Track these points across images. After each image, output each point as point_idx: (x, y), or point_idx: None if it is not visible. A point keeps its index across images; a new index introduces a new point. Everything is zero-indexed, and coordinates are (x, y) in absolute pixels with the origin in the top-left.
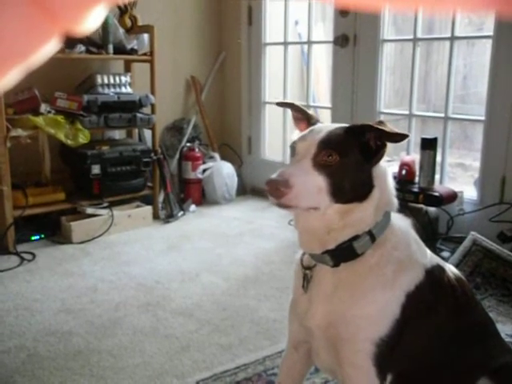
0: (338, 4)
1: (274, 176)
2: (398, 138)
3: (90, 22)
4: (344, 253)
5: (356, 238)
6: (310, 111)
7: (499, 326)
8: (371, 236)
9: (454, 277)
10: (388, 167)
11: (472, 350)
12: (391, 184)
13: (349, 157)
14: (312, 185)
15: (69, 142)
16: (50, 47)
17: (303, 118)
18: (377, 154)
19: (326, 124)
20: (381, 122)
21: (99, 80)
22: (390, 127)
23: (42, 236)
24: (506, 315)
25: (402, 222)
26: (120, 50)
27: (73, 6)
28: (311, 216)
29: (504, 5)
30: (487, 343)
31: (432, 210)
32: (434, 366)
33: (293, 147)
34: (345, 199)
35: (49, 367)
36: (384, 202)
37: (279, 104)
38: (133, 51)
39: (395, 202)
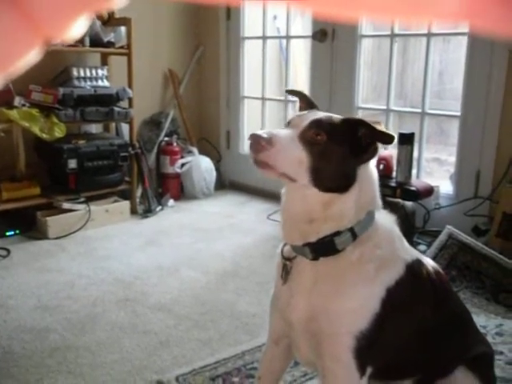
0: (316, 14)
1: (259, 131)
2: (386, 138)
3: (74, 30)
4: (324, 247)
5: (337, 233)
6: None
7: (473, 318)
8: (352, 233)
9: (433, 270)
10: (374, 169)
11: (450, 341)
12: (375, 184)
13: (336, 143)
14: (293, 154)
15: (44, 135)
16: (32, 55)
17: (309, 108)
18: (366, 151)
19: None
20: (376, 122)
21: (75, 73)
22: (383, 128)
23: (17, 231)
24: (480, 307)
25: (386, 220)
26: (96, 42)
27: (56, 13)
28: (295, 198)
29: (477, 17)
30: (464, 334)
31: (409, 204)
32: (414, 357)
33: (288, 122)
34: (323, 184)
35: (25, 365)
36: (366, 200)
37: (288, 91)
38: (109, 44)
39: (379, 202)
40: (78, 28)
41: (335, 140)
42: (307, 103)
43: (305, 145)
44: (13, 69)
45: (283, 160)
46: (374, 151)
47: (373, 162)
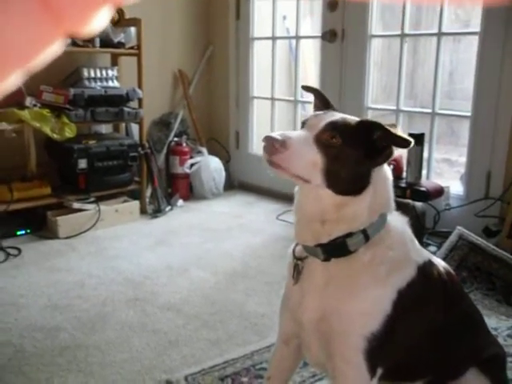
0: None
1: (273, 133)
2: (401, 141)
3: (95, 24)
4: (336, 248)
5: (350, 235)
6: (331, 103)
7: (485, 320)
8: (365, 235)
9: (444, 271)
10: (389, 170)
11: (461, 342)
12: (390, 187)
13: (351, 146)
14: (307, 157)
15: (55, 136)
16: (54, 49)
17: (323, 106)
18: (381, 154)
19: (343, 114)
20: (393, 125)
21: (86, 73)
22: (399, 131)
23: (28, 231)
24: (491, 308)
25: (398, 222)
26: (107, 43)
27: (79, 7)
28: (308, 197)
29: None
30: (476, 335)
31: (419, 205)
32: (425, 358)
33: (304, 123)
34: (337, 186)
35: (36, 363)
36: (380, 203)
37: (304, 87)
38: (120, 44)
39: (392, 204)
40: (99, 21)
41: (350, 143)
42: (322, 101)
43: (319, 147)
44: (35, 62)
45: (297, 163)
46: (390, 154)
47: (387, 164)
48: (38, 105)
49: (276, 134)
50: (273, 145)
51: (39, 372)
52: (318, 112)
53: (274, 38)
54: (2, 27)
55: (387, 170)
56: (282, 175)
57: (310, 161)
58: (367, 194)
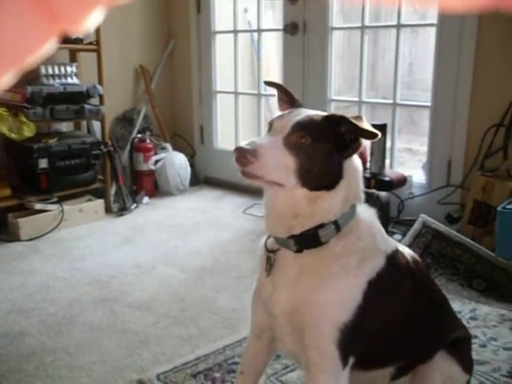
0: None
1: (243, 144)
2: (368, 134)
3: (89, 22)
4: (308, 239)
5: (321, 226)
6: (296, 96)
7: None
8: (336, 226)
9: (411, 259)
10: (359, 161)
11: (430, 327)
12: (360, 179)
13: (321, 143)
14: (279, 161)
15: (13, 135)
16: (48, 48)
17: (287, 100)
18: (349, 147)
19: (308, 109)
20: (358, 117)
21: (43, 70)
22: (365, 124)
23: None
24: (455, 293)
25: (367, 214)
26: (64, 38)
27: (73, 5)
28: (280, 196)
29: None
30: (443, 320)
31: (383, 194)
32: (395, 346)
33: (270, 124)
34: (311, 184)
35: (1, 370)
36: (352, 195)
37: (266, 83)
38: (78, 40)
39: (362, 195)
40: (93, 20)
41: (319, 140)
42: (286, 95)
43: (290, 149)
44: (28, 61)
45: (270, 170)
46: (358, 146)
47: (356, 155)
48: None
49: (246, 145)
50: (244, 156)
51: (5, 379)
52: (283, 112)
53: (235, 32)
54: None
55: (357, 160)
56: (257, 183)
57: (282, 165)
58: (342, 186)
